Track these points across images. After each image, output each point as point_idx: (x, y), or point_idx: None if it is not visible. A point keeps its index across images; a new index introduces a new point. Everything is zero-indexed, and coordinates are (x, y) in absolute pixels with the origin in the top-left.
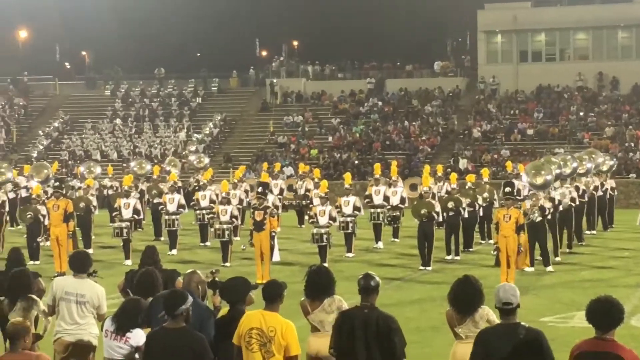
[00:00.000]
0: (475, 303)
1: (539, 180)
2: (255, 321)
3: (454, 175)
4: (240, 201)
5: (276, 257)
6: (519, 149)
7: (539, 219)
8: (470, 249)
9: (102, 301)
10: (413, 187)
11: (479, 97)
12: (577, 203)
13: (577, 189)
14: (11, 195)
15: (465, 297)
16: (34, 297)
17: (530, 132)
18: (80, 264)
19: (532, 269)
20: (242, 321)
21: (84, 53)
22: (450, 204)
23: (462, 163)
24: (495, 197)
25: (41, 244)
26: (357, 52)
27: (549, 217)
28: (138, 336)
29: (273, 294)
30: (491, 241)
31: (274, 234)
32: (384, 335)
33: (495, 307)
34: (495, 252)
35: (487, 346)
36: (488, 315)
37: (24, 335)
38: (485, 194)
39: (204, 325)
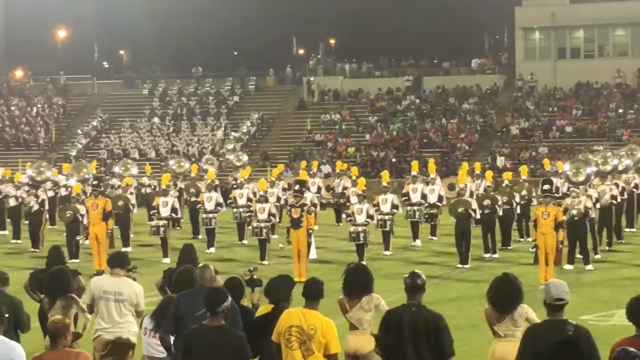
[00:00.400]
0: (514, 301)
1: (581, 178)
2: (295, 319)
3: (489, 173)
4: (278, 199)
5: (313, 254)
6: (557, 147)
7: (577, 217)
8: (509, 247)
9: (140, 299)
10: (451, 187)
11: (517, 95)
12: (619, 201)
13: (617, 186)
14: (50, 194)
15: (504, 295)
16: (74, 295)
17: (568, 129)
18: (119, 263)
19: (571, 267)
20: (282, 318)
21: (122, 52)
22: (486, 202)
23: (500, 161)
24: (534, 194)
25: (80, 242)
26: (394, 50)
27: (593, 215)
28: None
29: (313, 292)
30: (530, 239)
31: (311, 231)
32: (432, 333)
33: (546, 303)
34: (534, 250)
35: (536, 342)
36: (527, 313)
37: (64, 333)
38: (524, 192)
39: (234, 323)
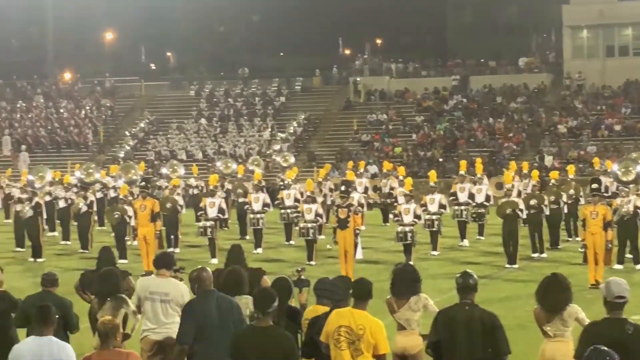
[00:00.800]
0: (563, 301)
1: (630, 177)
2: (344, 319)
3: (535, 172)
4: (325, 199)
5: (359, 254)
6: (606, 145)
7: (627, 217)
8: (558, 247)
9: (185, 299)
10: (498, 187)
11: (565, 93)
12: None
13: None
14: (99, 195)
15: (553, 295)
16: (124, 296)
17: (617, 127)
18: (164, 263)
19: (621, 266)
20: (331, 319)
21: (168, 54)
22: (533, 202)
23: (548, 160)
24: (581, 193)
25: (128, 243)
26: (441, 49)
27: None
28: None
29: (362, 292)
30: (578, 238)
31: (358, 232)
32: (488, 331)
33: (606, 300)
34: (583, 250)
35: (595, 340)
36: (577, 313)
37: (114, 334)
38: (571, 191)
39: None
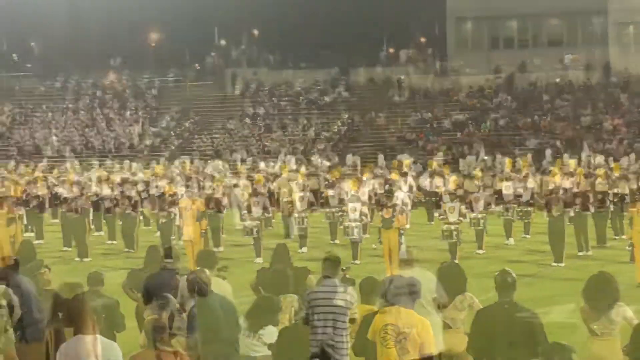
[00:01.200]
0: (610, 299)
1: None
2: (390, 317)
3: (581, 170)
4: (369, 199)
5: (402, 255)
6: None
7: None
8: (605, 245)
9: (228, 297)
10: (545, 184)
11: (611, 90)
12: None
13: None
14: (144, 195)
15: (600, 293)
16: (169, 295)
17: None
18: (206, 262)
19: None
20: (378, 317)
21: (213, 54)
22: (579, 200)
23: (594, 157)
24: (627, 191)
25: (173, 242)
26: (485, 47)
27: None
28: (271, 333)
29: (410, 291)
30: (625, 237)
31: (402, 231)
32: (526, 330)
33: None
34: (630, 248)
35: None
36: (625, 312)
37: (161, 333)
38: (617, 189)
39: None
